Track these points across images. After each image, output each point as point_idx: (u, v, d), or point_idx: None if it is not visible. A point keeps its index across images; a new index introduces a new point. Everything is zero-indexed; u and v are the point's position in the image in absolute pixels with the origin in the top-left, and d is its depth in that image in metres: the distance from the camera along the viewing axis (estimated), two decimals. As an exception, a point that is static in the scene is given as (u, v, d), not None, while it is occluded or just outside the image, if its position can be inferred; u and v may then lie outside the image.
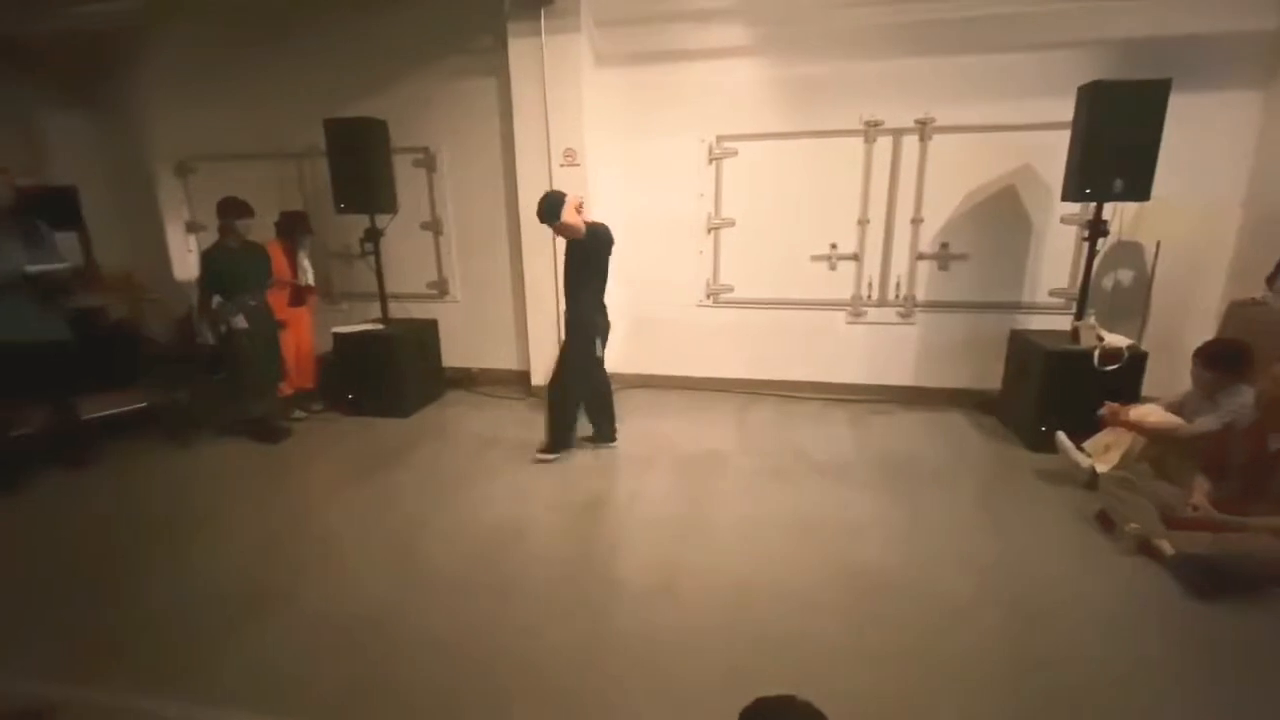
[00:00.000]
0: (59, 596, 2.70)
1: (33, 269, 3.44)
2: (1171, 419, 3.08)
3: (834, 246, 4.75)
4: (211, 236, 4.20)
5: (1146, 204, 3.73)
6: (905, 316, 4.76)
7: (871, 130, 4.48)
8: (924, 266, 4.66)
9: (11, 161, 4.86)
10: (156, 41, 5.27)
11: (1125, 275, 4.36)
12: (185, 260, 5.86)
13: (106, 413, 4.16)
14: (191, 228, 5.81)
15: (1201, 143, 3.97)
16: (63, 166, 5.31)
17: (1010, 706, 2.01)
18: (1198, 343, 3.12)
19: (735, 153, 4.76)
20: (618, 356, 5.32)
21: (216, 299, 4.08)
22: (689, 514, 3.25)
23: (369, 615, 2.49)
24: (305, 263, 4.74)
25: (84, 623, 2.51)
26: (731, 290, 5.03)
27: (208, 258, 4.08)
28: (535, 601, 2.57)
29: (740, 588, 2.62)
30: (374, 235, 4.70)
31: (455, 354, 5.38)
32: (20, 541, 3.16)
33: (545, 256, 4.84)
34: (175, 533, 3.20)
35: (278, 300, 4.45)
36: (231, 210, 4.06)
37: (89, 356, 4.06)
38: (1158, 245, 4.11)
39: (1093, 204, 3.78)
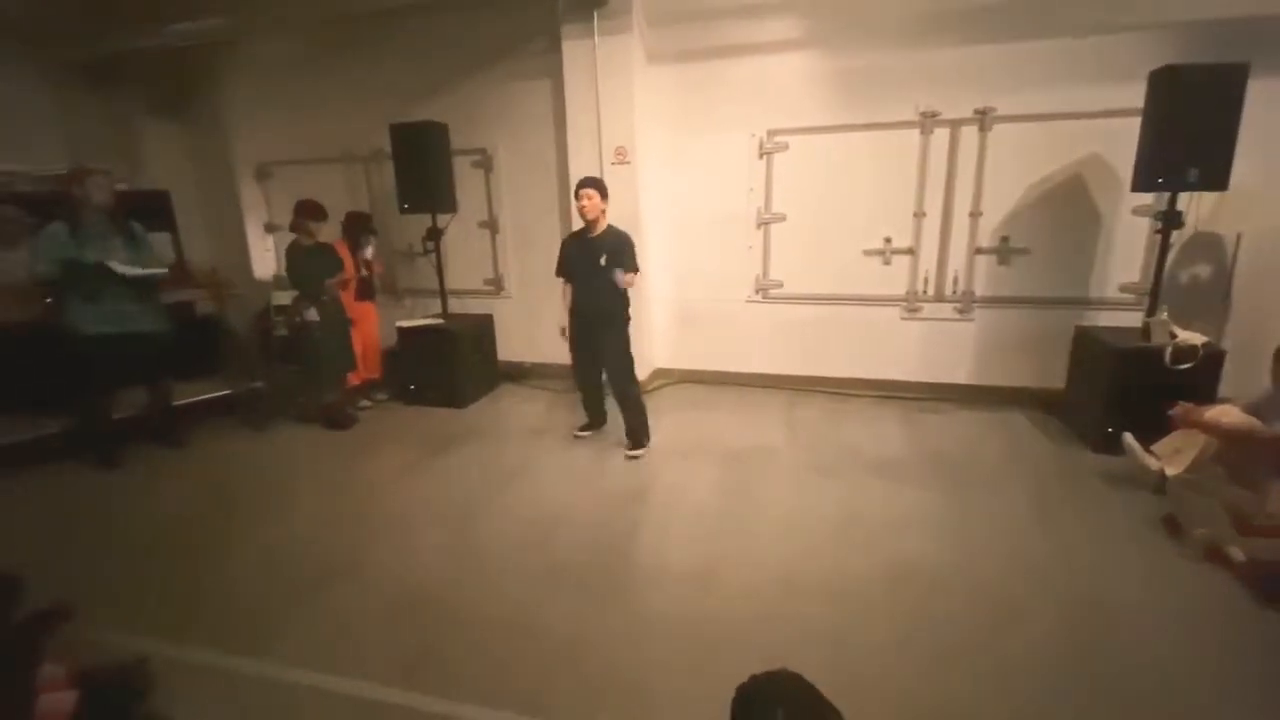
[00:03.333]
0: (153, 561, 2.98)
1: (135, 272, 3.75)
2: (1249, 420, 2.89)
3: (888, 241, 4.66)
4: (289, 237, 4.51)
5: (1225, 194, 3.52)
6: (963, 312, 4.63)
7: (928, 121, 4.38)
8: (982, 261, 4.52)
9: (112, 167, 5.36)
10: (239, 56, 5.67)
11: (1203, 269, 4.11)
12: (264, 259, 6.27)
13: (194, 399, 4.52)
14: (269, 229, 6.20)
15: (1286, 128, 3.71)
16: (157, 172, 5.77)
17: (1066, 711, 1.97)
18: (1283, 340, 2.92)
19: (786, 147, 4.74)
20: (665, 351, 5.40)
21: (292, 295, 4.40)
22: (735, 507, 3.29)
23: (427, 591, 2.65)
24: (368, 254, 5.01)
25: (173, 586, 2.77)
26: (781, 286, 5.01)
27: (288, 255, 4.38)
28: (582, 585, 2.67)
29: (785, 580, 2.64)
30: (435, 234, 4.90)
31: (509, 348, 5.56)
32: (119, 511, 3.49)
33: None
34: (254, 509, 3.47)
35: (345, 296, 4.71)
36: (310, 212, 4.37)
37: (180, 347, 4.43)
38: (1238, 237, 3.86)
39: (1166, 194, 3.60)
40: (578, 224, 4.89)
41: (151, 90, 5.78)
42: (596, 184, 3.76)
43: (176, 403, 4.37)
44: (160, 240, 4.70)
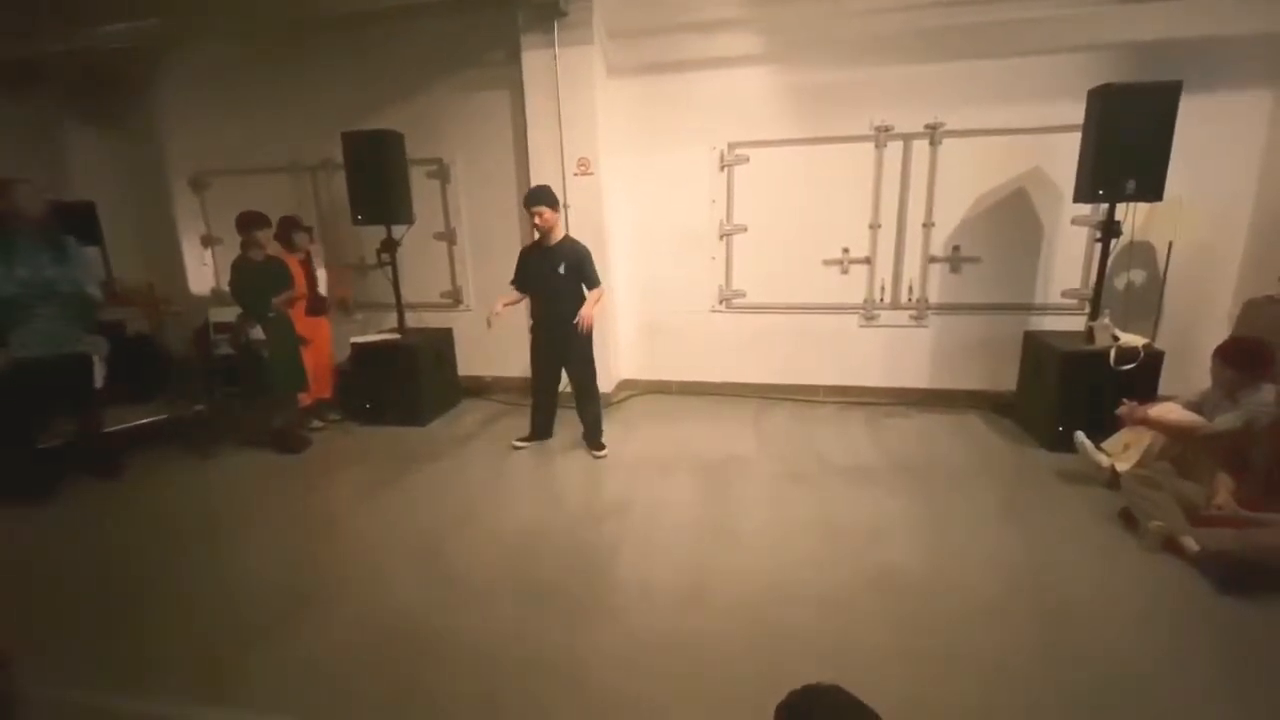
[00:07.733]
0: (93, 605, 2.72)
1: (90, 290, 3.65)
2: (1192, 417, 3.08)
3: (846, 250, 4.79)
4: (228, 250, 4.24)
5: (1158, 204, 3.76)
6: (918, 319, 4.78)
7: (882, 135, 4.52)
8: (936, 269, 4.69)
9: (32, 177, 4.96)
10: (174, 59, 5.36)
11: (1138, 275, 4.38)
12: (200, 273, 5.92)
13: (129, 424, 4.20)
14: (206, 241, 5.85)
15: (1212, 143, 4.01)
16: (81, 181, 5.37)
17: (1040, 703, 2.03)
18: (1212, 341, 3.13)
19: (747, 159, 4.81)
20: (631, 362, 5.37)
21: (234, 311, 4.15)
22: (714, 518, 3.27)
23: (402, 623, 2.51)
24: (321, 273, 4.78)
25: (120, 632, 2.53)
26: (744, 295, 5.06)
27: (235, 271, 4.13)
28: (566, 607, 2.59)
29: (769, 590, 2.64)
30: (391, 246, 4.73)
31: (470, 362, 5.41)
32: (53, 550, 3.19)
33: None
34: (204, 542, 3.23)
35: (295, 312, 4.47)
36: (254, 222, 4.11)
37: (111, 369, 4.10)
38: (1170, 245, 4.14)
39: (1105, 205, 3.82)
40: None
41: (74, 93, 5.39)
42: (544, 198, 3.81)
43: (109, 429, 4.04)
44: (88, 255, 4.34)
